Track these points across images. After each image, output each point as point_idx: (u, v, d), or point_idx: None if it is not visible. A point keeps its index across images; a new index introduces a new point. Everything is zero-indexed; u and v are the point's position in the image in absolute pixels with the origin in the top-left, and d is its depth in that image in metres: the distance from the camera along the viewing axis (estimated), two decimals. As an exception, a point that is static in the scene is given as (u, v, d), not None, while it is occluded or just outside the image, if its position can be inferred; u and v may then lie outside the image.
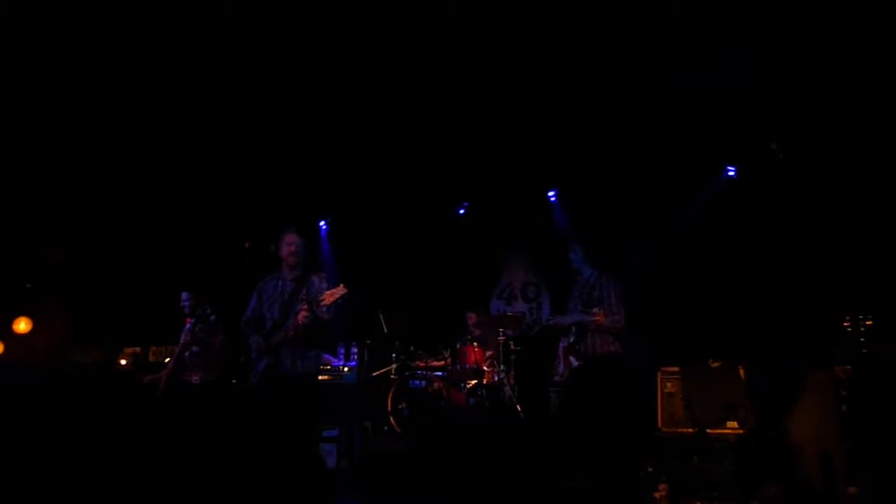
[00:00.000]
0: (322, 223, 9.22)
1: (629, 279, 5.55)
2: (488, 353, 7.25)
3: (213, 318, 6.08)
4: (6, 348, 7.81)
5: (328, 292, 4.26)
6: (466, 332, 7.53)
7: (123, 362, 8.07)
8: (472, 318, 7.66)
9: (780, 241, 6.65)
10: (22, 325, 7.93)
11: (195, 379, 6.03)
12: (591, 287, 5.22)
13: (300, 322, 4.25)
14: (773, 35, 5.54)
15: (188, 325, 6.22)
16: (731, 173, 7.29)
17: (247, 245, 4.56)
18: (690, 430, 5.89)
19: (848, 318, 6.36)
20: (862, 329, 6.35)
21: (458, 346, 7.30)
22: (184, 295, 6.21)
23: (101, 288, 8.14)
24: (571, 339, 5.34)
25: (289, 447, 4.21)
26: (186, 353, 6.03)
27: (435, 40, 5.90)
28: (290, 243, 4.57)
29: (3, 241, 7.50)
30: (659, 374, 6.25)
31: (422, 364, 7.41)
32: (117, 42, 5.66)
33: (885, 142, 6.13)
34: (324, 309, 4.27)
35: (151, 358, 7.98)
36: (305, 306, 4.23)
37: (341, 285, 4.28)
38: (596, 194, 7.72)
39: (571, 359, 5.35)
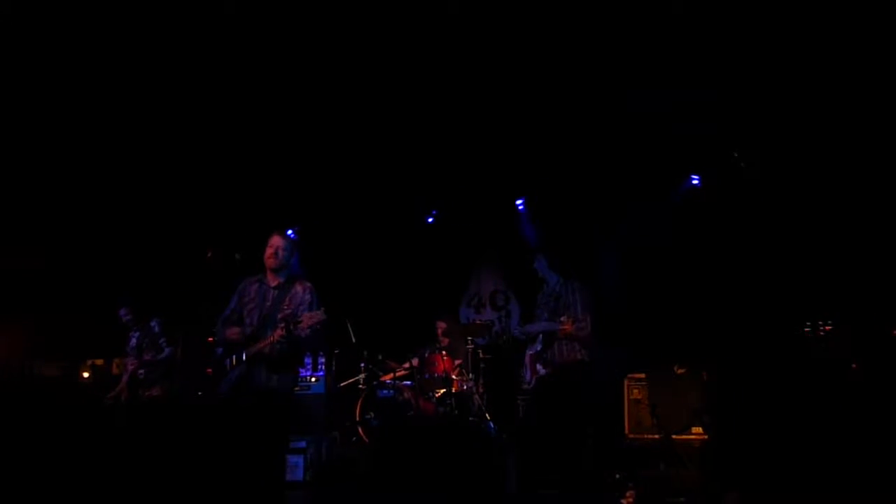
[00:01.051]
0: (290, 231, 9.13)
1: (595, 287, 5.60)
2: (457, 362, 7.23)
3: (156, 329, 6.01)
4: (-37, 362, 7.62)
5: (307, 315, 4.13)
6: (435, 341, 7.52)
7: (86, 375, 7.90)
8: (441, 326, 7.65)
9: (744, 248, 6.78)
10: (-21, 338, 7.74)
11: (154, 392, 5.94)
12: (556, 295, 5.26)
13: (275, 339, 4.13)
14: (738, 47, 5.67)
15: (133, 342, 6.12)
16: (695, 182, 7.40)
17: (209, 255, 4.45)
18: (657, 436, 5.95)
19: (807, 324, 6.50)
20: (821, 334, 6.49)
21: (426, 354, 7.28)
22: (122, 311, 6.13)
23: (63, 299, 7.97)
24: (538, 348, 5.37)
25: (255, 463, 4.11)
26: (141, 371, 5.94)
27: (404, 50, 5.92)
28: (270, 246, 4.41)
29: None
30: (625, 381, 6.31)
31: (388, 377, 7.37)
32: (72, 50, 5.57)
33: (847, 147, 6.29)
34: (303, 330, 4.14)
35: (115, 370, 7.83)
36: (283, 325, 4.10)
37: (322, 310, 4.15)
38: (563, 202, 7.79)
39: (538, 367, 5.38)
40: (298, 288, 4.42)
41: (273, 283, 4.44)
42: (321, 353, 7.27)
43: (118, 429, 5.81)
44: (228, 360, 4.32)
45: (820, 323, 6.44)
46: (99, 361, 7.64)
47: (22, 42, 5.43)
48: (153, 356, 6.00)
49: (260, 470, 4.09)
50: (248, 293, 4.44)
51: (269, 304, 4.36)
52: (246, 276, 4.54)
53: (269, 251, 4.40)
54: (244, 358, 4.25)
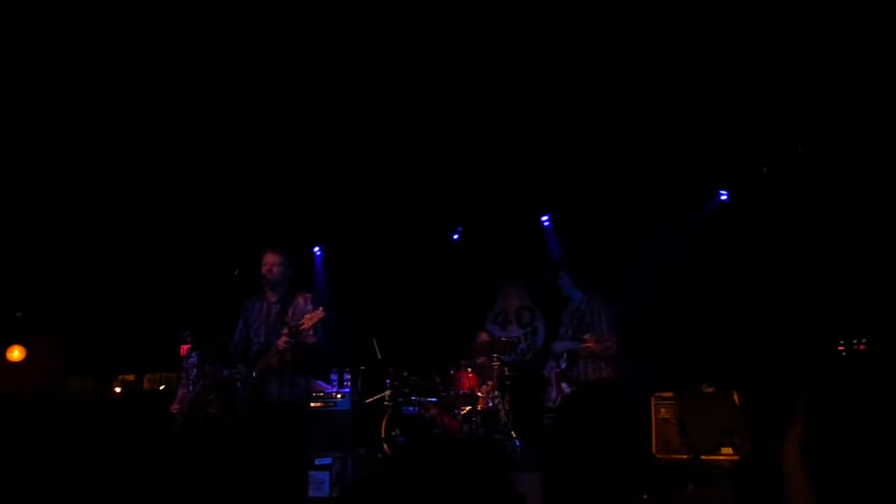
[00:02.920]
0: (317, 249, 9.25)
1: (622, 304, 5.54)
2: (489, 382, 7.18)
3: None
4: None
5: (307, 316, 4.20)
6: (472, 353, 7.45)
7: (118, 390, 8.04)
8: (483, 337, 7.64)
9: (774, 264, 6.66)
10: (16, 354, 7.93)
11: (212, 410, 6.04)
12: (581, 313, 5.22)
13: (280, 347, 4.17)
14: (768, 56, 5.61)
15: (194, 360, 6.21)
16: (723, 197, 7.31)
17: (236, 273, 4.55)
18: (685, 456, 5.84)
19: (842, 342, 6.33)
20: (857, 353, 6.32)
21: (451, 371, 7.26)
22: (184, 332, 6.25)
23: (95, 315, 8.13)
24: (563, 366, 5.33)
25: (273, 480, 4.14)
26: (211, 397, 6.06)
27: (429, 67, 5.96)
28: (265, 263, 4.50)
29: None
30: (653, 399, 6.21)
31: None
32: (101, 69, 5.72)
33: (879, 164, 6.16)
34: (309, 332, 4.21)
35: (146, 386, 7.96)
36: (286, 331, 4.16)
37: (320, 309, 4.22)
38: (589, 218, 7.74)
39: (564, 385, 5.33)
40: (300, 300, 4.51)
41: (273, 300, 4.53)
42: (347, 369, 7.29)
43: (176, 441, 5.93)
44: (241, 379, 4.39)
45: (855, 340, 6.29)
46: (129, 377, 7.76)
47: (48, 48, 5.55)
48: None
49: (281, 483, 4.12)
50: (252, 314, 4.55)
51: (272, 319, 4.45)
52: (247, 296, 4.64)
53: (264, 269, 4.50)
54: (255, 374, 4.32)
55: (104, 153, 6.91)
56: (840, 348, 6.21)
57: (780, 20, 5.20)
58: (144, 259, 8.15)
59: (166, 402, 6.32)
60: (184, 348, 6.77)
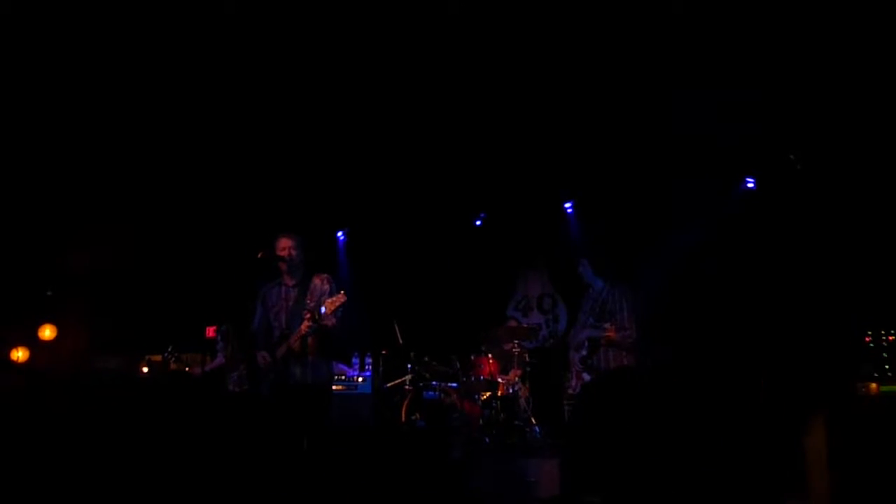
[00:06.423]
0: (340, 234, 9.31)
1: (643, 292, 5.50)
2: (513, 371, 7.19)
3: (219, 335, 6.22)
4: (32, 355, 8.00)
5: (328, 301, 4.21)
6: (493, 339, 7.47)
7: (145, 370, 8.19)
8: (504, 323, 7.66)
9: (800, 254, 6.56)
10: (47, 333, 8.12)
11: (231, 387, 6.17)
12: (602, 300, 5.21)
13: (303, 331, 4.20)
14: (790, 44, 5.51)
15: (221, 343, 6.35)
16: (749, 185, 7.20)
17: (260, 256, 4.58)
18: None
19: (870, 333, 6.23)
20: (885, 344, 6.21)
21: (472, 357, 7.29)
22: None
23: (125, 296, 8.29)
24: (583, 353, 5.32)
25: (298, 459, 4.21)
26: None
27: (453, 53, 5.95)
28: (281, 248, 4.52)
29: (29, 249, 7.68)
30: (673, 388, 6.17)
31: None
32: (134, 53, 5.80)
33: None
34: (330, 316, 4.23)
35: (173, 366, 8.10)
36: (308, 315, 4.18)
37: (342, 293, 4.23)
38: (612, 205, 7.69)
39: (584, 373, 5.33)
40: (317, 281, 4.53)
41: (290, 283, 4.56)
42: (368, 353, 7.36)
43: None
44: (263, 361, 4.45)
45: (882, 332, 6.18)
46: (156, 357, 7.90)
47: (63, 43, 5.63)
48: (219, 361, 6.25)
49: (306, 462, 4.20)
50: (271, 298, 4.59)
51: (291, 303, 4.47)
52: (263, 281, 4.68)
53: (281, 253, 4.51)
54: (278, 357, 4.38)
55: (133, 136, 7.02)
56: (867, 339, 6.12)
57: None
58: (174, 242, 8.27)
59: (193, 382, 6.44)
60: (210, 330, 6.90)
